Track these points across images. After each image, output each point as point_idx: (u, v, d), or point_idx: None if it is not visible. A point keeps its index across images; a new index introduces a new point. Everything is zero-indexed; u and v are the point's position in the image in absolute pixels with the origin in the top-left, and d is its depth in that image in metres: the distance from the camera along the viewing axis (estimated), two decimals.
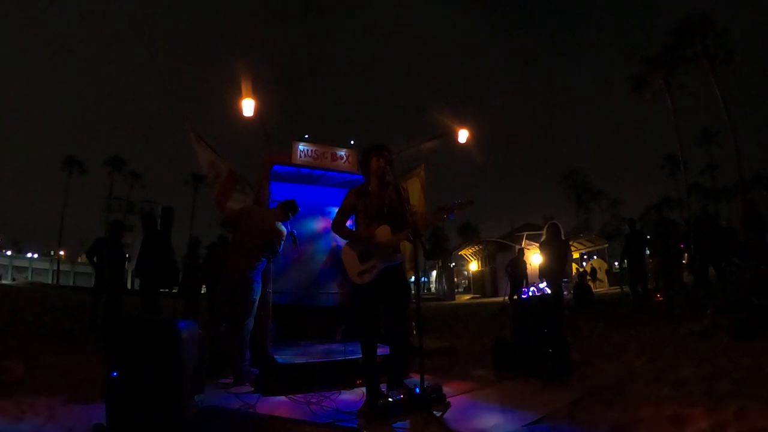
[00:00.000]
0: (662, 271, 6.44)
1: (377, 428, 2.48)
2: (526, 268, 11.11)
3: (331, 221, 3.18)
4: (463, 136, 4.93)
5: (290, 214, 3.98)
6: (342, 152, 4.48)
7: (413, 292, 3.04)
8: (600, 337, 5.08)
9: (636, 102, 30.07)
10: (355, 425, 2.53)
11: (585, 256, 23.85)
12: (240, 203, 4.41)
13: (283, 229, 3.91)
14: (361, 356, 2.98)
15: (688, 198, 29.13)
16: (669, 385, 2.82)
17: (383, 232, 2.98)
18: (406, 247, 3.64)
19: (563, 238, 6.90)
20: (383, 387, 2.91)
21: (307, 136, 4.40)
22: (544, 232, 6.85)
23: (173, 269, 6.13)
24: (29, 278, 45.53)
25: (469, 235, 50.24)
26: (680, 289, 6.36)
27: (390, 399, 2.68)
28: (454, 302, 20.60)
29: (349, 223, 3.22)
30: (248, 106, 4.17)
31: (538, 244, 19.29)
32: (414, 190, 4.83)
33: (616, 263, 22.11)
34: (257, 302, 3.71)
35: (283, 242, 3.91)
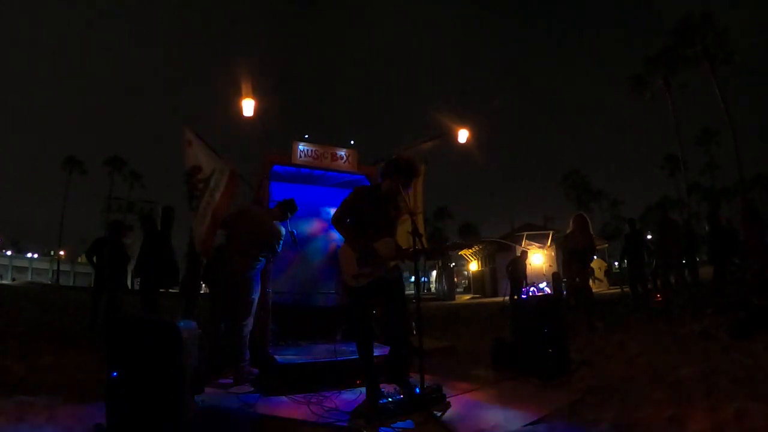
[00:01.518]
0: (660, 271, 6.44)
1: (377, 428, 2.48)
2: (526, 269, 11.13)
3: (332, 215, 3.08)
4: (463, 135, 4.92)
5: (289, 214, 3.96)
6: (342, 152, 4.48)
7: (413, 292, 3.04)
8: (600, 337, 5.07)
9: (636, 102, 30.13)
10: (355, 425, 2.52)
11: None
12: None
13: (282, 229, 3.90)
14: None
15: (688, 198, 29.15)
16: (669, 385, 2.82)
17: (386, 245, 2.93)
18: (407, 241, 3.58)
19: (591, 232, 6.31)
20: (383, 387, 2.91)
21: (307, 136, 4.40)
22: (570, 223, 6.33)
23: (173, 269, 6.12)
24: (37, 278, 45.55)
25: (469, 235, 50.21)
26: (681, 288, 6.33)
27: (390, 399, 2.69)
28: (454, 302, 20.60)
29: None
30: (248, 106, 4.17)
31: (538, 245, 19.35)
32: (413, 189, 4.82)
33: (616, 263, 22.08)
34: (256, 302, 3.71)
35: (282, 242, 3.90)
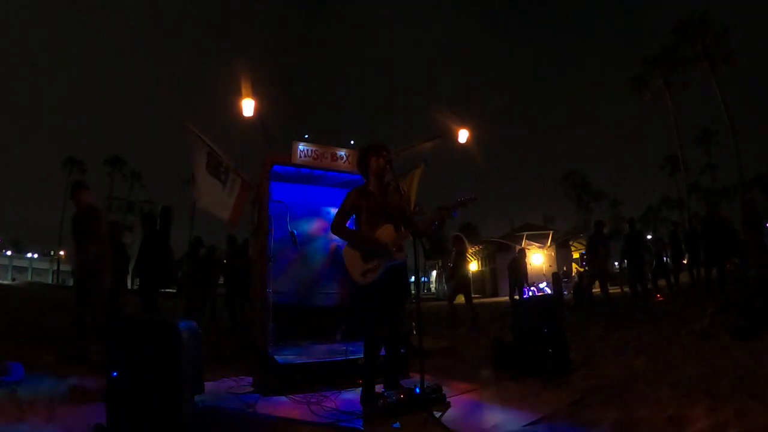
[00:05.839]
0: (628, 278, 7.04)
1: (377, 428, 2.48)
2: (526, 268, 11.15)
3: (331, 224, 3.09)
4: (463, 136, 4.91)
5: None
6: (342, 152, 4.47)
7: (413, 292, 3.03)
8: (600, 337, 5.07)
9: (636, 102, 30.12)
10: (356, 425, 2.52)
11: (585, 256, 23.91)
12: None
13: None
14: (362, 356, 2.96)
15: (688, 198, 29.16)
16: (669, 385, 2.82)
17: (387, 232, 2.94)
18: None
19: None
20: (382, 388, 2.91)
21: (307, 136, 4.39)
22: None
23: (171, 269, 6.12)
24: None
25: (469, 235, 50.17)
26: (643, 293, 6.98)
27: (390, 399, 2.68)
28: (454, 302, 20.56)
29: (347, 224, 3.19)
30: (248, 106, 4.16)
31: (538, 245, 19.36)
32: (408, 186, 4.83)
33: (616, 263, 22.07)
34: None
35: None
